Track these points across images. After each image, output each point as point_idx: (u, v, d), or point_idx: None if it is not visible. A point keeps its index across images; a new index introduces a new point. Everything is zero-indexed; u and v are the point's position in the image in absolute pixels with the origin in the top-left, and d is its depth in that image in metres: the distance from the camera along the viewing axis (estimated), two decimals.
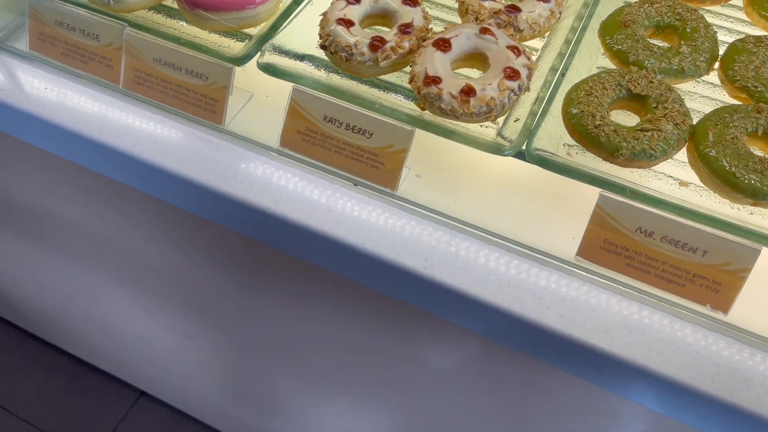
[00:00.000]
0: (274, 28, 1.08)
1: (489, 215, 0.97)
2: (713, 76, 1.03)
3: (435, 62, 0.97)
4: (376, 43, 0.99)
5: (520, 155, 0.94)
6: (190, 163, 1.03)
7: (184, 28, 1.13)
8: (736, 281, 0.83)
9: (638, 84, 0.95)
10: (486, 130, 0.98)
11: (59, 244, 1.56)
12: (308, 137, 0.98)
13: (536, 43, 1.09)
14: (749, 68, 0.98)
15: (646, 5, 1.06)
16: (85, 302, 1.71)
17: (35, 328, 2.02)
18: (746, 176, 0.86)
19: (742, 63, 0.99)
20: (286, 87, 0.98)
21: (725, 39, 1.07)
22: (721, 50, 1.03)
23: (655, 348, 0.86)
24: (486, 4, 1.05)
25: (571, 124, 0.94)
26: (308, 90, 0.97)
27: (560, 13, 1.08)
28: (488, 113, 0.95)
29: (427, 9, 1.07)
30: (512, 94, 0.95)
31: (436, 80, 0.95)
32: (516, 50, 0.98)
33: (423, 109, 0.98)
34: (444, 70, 0.96)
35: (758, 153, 0.90)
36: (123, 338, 1.74)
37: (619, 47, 1.02)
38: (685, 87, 1.02)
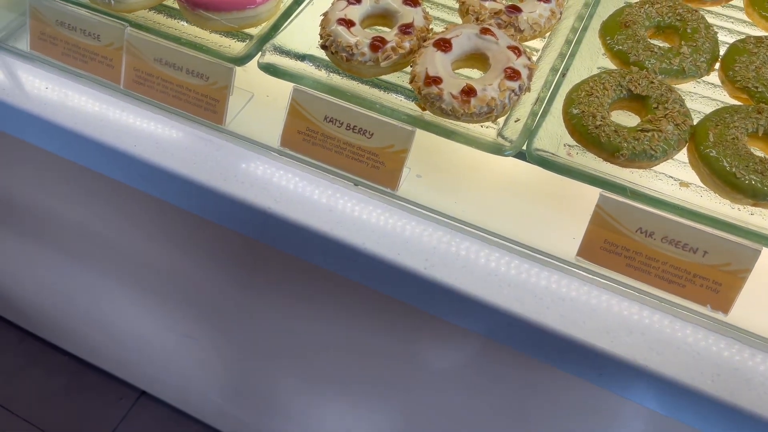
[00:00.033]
0: (275, 28, 1.09)
1: (489, 215, 0.97)
2: (714, 77, 1.03)
3: (436, 62, 0.97)
4: (377, 44, 0.99)
5: (521, 155, 0.94)
6: (191, 163, 1.03)
7: (184, 28, 1.13)
8: (736, 282, 0.83)
9: (639, 84, 0.95)
10: (486, 131, 0.98)
11: (60, 243, 1.56)
12: (309, 137, 0.98)
13: (537, 44, 1.09)
14: (750, 69, 0.98)
15: (647, 6, 1.06)
16: (86, 302, 1.71)
17: (36, 327, 2.02)
18: (747, 177, 0.86)
19: (743, 63, 0.99)
20: (286, 87, 0.98)
21: (726, 39, 1.07)
22: (722, 51, 1.03)
23: (656, 348, 0.86)
24: (487, 4, 1.05)
25: (571, 124, 0.94)
26: (309, 90, 0.97)
27: (561, 13, 1.08)
28: (489, 113, 0.95)
29: (427, 9, 1.07)
30: (513, 94, 0.95)
31: (436, 80, 0.95)
32: (517, 50, 0.98)
33: (423, 109, 0.98)
34: (445, 71, 0.96)
35: (759, 153, 0.90)
36: (123, 338, 1.74)
37: (620, 47, 1.02)
38: (685, 87, 1.02)
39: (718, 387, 0.83)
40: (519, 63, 0.97)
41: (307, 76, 1.03)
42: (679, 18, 1.05)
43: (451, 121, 0.96)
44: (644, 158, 0.90)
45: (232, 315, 1.44)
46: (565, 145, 0.96)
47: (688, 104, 0.96)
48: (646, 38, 1.03)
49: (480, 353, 1.12)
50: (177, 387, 1.84)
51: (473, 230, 0.96)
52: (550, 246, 0.93)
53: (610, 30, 1.04)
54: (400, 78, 1.04)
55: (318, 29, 1.04)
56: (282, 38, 1.06)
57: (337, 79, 1.05)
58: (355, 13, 1.04)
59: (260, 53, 1.04)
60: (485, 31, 1.00)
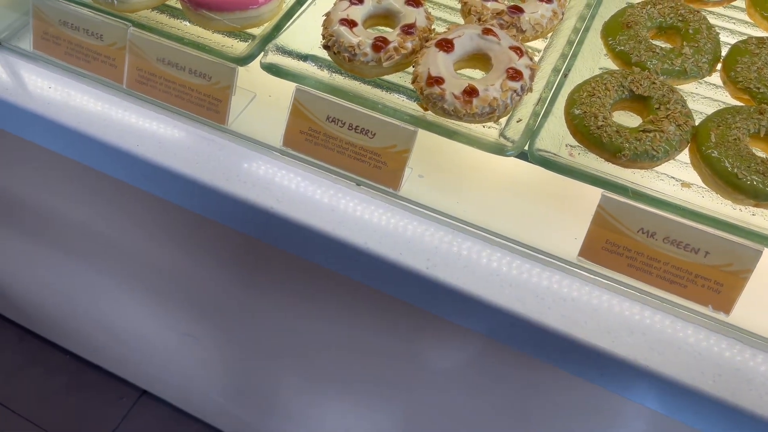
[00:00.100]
0: (278, 29, 1.09)
1: (491, 215, 0.97)
2: (715, 78, 1.03)
3: (438, 63, 0.97)
4: (379, 44, 0.99)
5: (523, 156, 0.94)
6: (194, 162, 1.03)
7: (187, 28, 1.14)
8: (738, 282, 0.83)
9: (641, 85, 0.95)
10: (488, 131, 0.98)
11: (62, 242, 1.56)
12: (311, 137, 0.98)
13: (539, 44, 1.09)
14: (751, 69, 0.98)
15: (649, 6, 1.06)
16: (87, 301, 1.71)
17: (36, 326, 2.02)
18: (748, 177, 0.86)
19: (745, 64, 0.99)
20: (289, 87, 0.99)
21: (727, 40, 1.07)
22: (724, 51, 1.03)
23: (657, 348, 0.86)
24: (489, 4, 1.06)
25: (573, 124, 0.94)
26: (311, 90, 0.97)
27: (563, 13, 1.09)
28: (491, 114, 0.95)
29: (429, 9, 1.07)
30: (515, 94, 0.95)
31: (438, 81, 0.95)
32: (518, 51, 0.98)
33: (426, 109, 0.98)
34: (447, 71, 0.97)
35: (760, 154, 0.90)
36: (125, 337, 1.74)
37: (622, 48, 1.02)
38: (687, 88, 1.02)
39: (720, 387, 0.83)
40: (521, 63, 0.97)
41: (310, 76, 1.03)
42: (680, 19, 1.05)
43: (453, 121, 0.96)
44: (646, 159, 0.90)
45: (233, 314, 1.44)
46: (566, 146, 0.96)
47: (690, 105, 0.96)
48: (647, 39, 1.03)
49: (481, 353, 1.12)
50: (178, 386, 1.84)
51: (475, 230, 0.96)
52: (552, 246, 0.93)
53: (612, 30, 1.05)
54: (402, 78, 1.04)
55: (320, 29, 1.05)
56: (284, 38, 1.06)
57: (339, 79, 1.05)
58: (357, 13, 1.04)
59: (263, 53, 1.04)
60: (487, 31, 1.00)
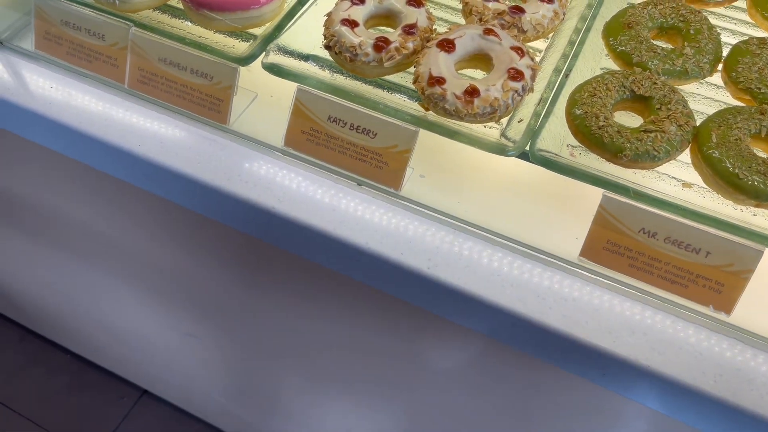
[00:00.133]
0: (279, 29, 1.09)
1: (492, 215, 0.97)
2: (717, 78, 1.03)
3: (439, 63, 0.97)
4: (381, 44, 0.99)
5: (524, 156, 0.94)
6: (195, 162, 1.04)
7: (189, 28, 1.14)
8: (739, 282, 0.83)
9: (642, 85, 0.96)
10: (490, 131, 0.98)
11: (63, 242, 1.56)
12: (312, 137, 0.98)
13: (540, 44, 1.09)
14: (753, 70, 0.98)
15: (650, 6, 1.06)
16: (88, 301, 1.71)
17: (37, 326, 2.02)
18: (749, 177, 0.86)
19: (746, 64, 0.99)
20: (290, 87, 0.99)
21: (729, 40, 1.07)
22: (725, 52, 1.03)
23: (658, 348, 0.86)
24: (490, 5, 1.06)
25: (574, 125, 0.94)
26: (313, 90, 0.97)
27: (564, 14, 1.09)
28: (492, 114, 0.95)
29: (431, 10, 1.08)
30: (516, 94, 0.95)
31: (440, 81, 0.95)
32: (520, 51, 0.98)
33: (427, 109, 0.98)
34: (448, 71, 0.97)
35: (761, 154, 0.90)
36: (126, 337, 1.74)
37: (623, 48, 1.02)
38: (688, 88, 1.03)
39: (721, 387, 0.83)
40: (522, 64, 0.97)
41: (311, 76, 1.03)
42: (682, 19, 1.05)
43: (454, 121, 0.96)
44: (647, 159, 0.90)
45: (235, 314, 1.44)
46: (568, 146, 0.96)
47: (691, 105, 0.96)
48: (649, 39, 1.03)
49: (483, 353, 1.12)
50: (179, 386, 1.84)
51: (476, 230, 0.96)
52: (553, 246, 0.93)
53: (613, 31, 1.05)
54: (404, 78, 1.04)
55: (322, 29, 1.05)
56: (286, 38, 1.06)
57: (340, 80, 1.05)
58: (358, 13, 1.04)
59: (264, 53, 1.04)
60: (488, 31, 1.00)
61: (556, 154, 0.93)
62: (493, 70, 0.98)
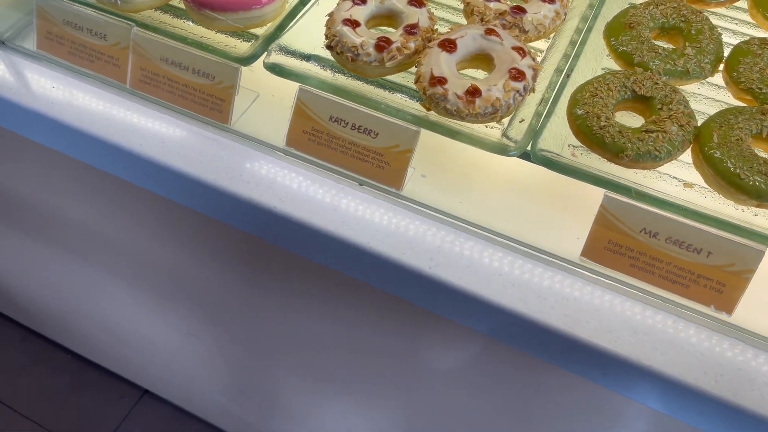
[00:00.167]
0: (281, 29, 1.09)
1: (493, 215, 0.97)
2: (718, 78, 1.03)
3: (440, 63, 0.97)
4: (382, 44, 0.99)
5: (525, 156, 0.94)
6: (197, 162, 1.04)
7: (190, 28, 1.14)
8: (740, 282, 0.83)
9: (643, 85, 0.96)
10: (491, 131, 0.98)
11: (64, 241, 1.56)
12: (314, 137, 0.99)
13: (541, 44, 1.09)
14: (754, 70, 0.98)
15: (651, 7, 1.06)
16: (89, 300, 1.71)
17: (38, 326, 2.02)
18: (751, 178, 0.86)
19: (747, 65, 0.99)
20: (292, 87, 0.99)
21: (730, 41, 1.07)
22: (726, 52, 1.03)
23: (659, 348, 0.86)
24: (491, 5, 1.06)
25: (576, 125, 0.94)
26: (314, 90, 0.97)
27: (565, 14, 1.09)
28: (493, 114, 0.95)
29: (432, 10, 1.08)
30: (517, 94, 0.96)
31: (441, 81, 0.95)
32: (521, 51, 0.98)
33: (428, 109, 0.98)
34: (449, 71, 0.97)
35: (763, 155, 0.90)
36: (127, 336, 1.75)
37: (624, 48, 1.02)
38: (689, 88, 1.03)
39: (722, 387, 0.83)
40: (523, 64, 0.97)
41: (313, 76, 1.03)
42: (683, 19, 1.05)
43: (455, 121, 0.96)
44: (648, 159, 0.90)
45: (236, 314, 1.44)
46: (569, 146, 0.96)
47: (693, 105, 0.96)
48: (650, 39, 1.03)
49: (483, 353, 1.12)
50: (180, 386, 1.84)
51: (477, 230, 0.96)
52: (554, 246, 0.94)
53: (615, 31, 1.05)
54: (405, 78, 1.04)
55: (323, 29, 1.05)
56: (287, 38, 1.07)
57: (342, 79, 1.05)
58: (360, 13, 1.04)
59: (266, 53, 1.04)
60: (490, 31, 1.00)
61: (557, 154, 0.93)
62: (495, 70, 0.98)
